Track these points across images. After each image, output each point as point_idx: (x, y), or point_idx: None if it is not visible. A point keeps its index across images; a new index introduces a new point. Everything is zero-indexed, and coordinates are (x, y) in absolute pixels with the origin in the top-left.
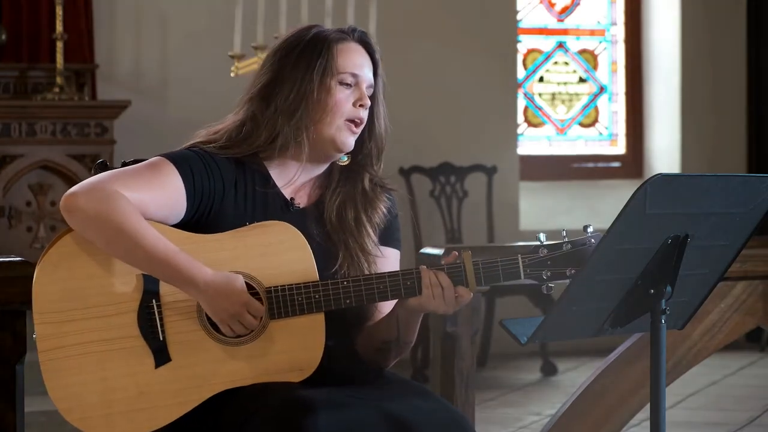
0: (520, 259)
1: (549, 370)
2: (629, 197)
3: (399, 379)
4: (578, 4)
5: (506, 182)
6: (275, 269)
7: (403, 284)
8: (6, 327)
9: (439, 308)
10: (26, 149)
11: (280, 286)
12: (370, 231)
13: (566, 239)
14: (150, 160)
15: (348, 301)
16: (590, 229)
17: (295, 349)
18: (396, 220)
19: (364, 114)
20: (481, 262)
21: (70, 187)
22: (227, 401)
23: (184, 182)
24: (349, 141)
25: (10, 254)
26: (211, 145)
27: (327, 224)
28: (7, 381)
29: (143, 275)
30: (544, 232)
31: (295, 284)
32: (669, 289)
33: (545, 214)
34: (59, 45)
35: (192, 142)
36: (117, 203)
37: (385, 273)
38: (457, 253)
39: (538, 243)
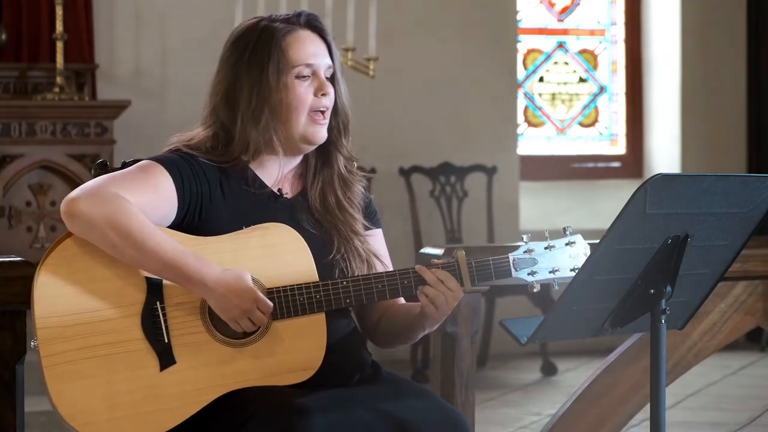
0: (510, 258)
1: (549, 370)
2: (629, 197)
3: (396, 380)
4: (578, 4)
5: (506, 182)
6: (276, 271)
7: (401, 283)
8: (6, 327)
9: (446, 308)
10: (26, 149)
11: (282, 287)
12: (353, 212)
13: (549, 240)
14: (140, 163)
15: (348, 301)
16: (569, 230)
17: (299, 349)
18: (372, 203)
19: (327, 101)
20: (474, 261)
21: (71, 187)
22: (225, 405)
23: (174, 184)
24: (320, 133)
25: (10, 254)
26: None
27: (314, 212)
28: (7, 381)
29: (146, 277)
30: (544, 232)
31: (296, 285)
32: (669, 289)
33: (545, 214)
34: (59, 45)
35: (171, 146)
36: (121, 206)
37: (382, 273)
38: (442, 261)
39: (524, 243)
